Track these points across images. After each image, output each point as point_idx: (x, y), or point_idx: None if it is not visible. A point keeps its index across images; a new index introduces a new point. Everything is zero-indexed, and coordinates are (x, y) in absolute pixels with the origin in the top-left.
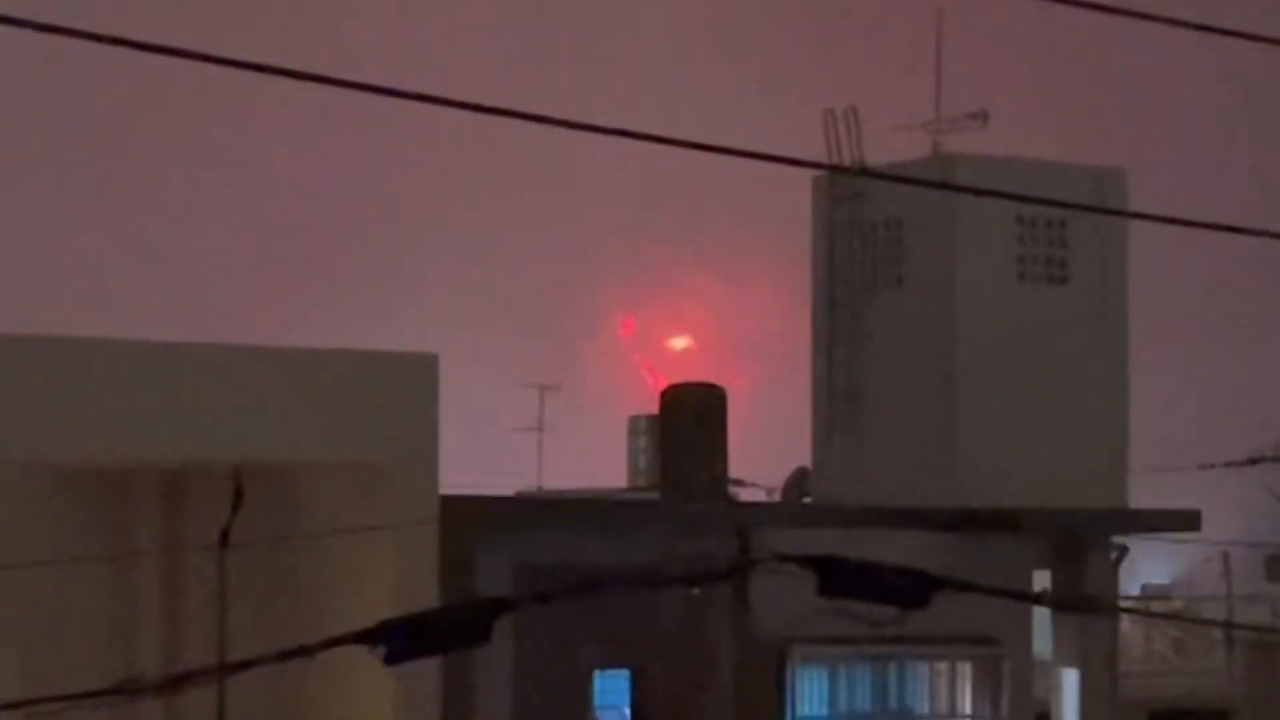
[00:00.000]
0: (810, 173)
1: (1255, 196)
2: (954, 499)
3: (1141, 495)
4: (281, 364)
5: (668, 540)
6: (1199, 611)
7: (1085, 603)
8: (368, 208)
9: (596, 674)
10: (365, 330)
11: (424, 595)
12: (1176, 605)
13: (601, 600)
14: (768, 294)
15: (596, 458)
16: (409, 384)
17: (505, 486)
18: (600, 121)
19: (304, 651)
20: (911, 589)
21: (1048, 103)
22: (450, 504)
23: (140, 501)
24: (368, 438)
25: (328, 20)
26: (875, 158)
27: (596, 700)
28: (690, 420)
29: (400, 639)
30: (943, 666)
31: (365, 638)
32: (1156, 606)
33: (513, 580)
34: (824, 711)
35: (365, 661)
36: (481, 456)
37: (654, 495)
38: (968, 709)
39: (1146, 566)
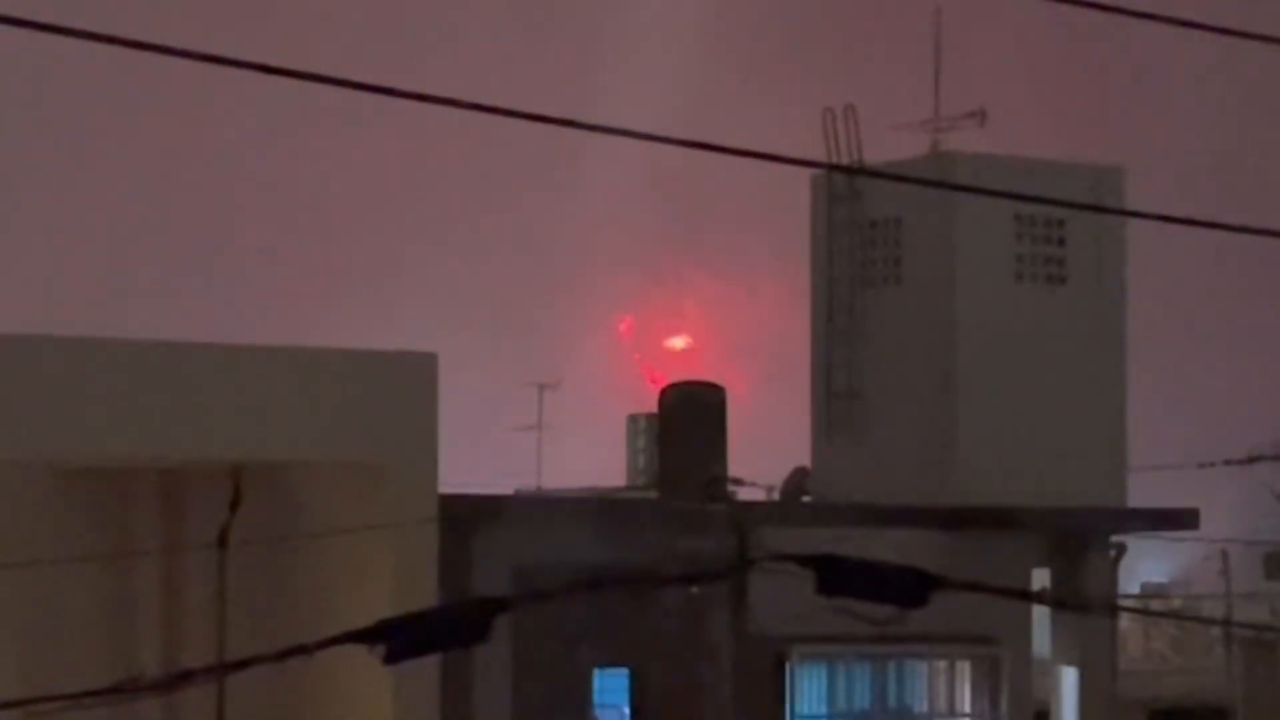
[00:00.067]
0: (809, 171)
1: (1254, 195)
2: (953, 498)
3: (1140, 494)
4: (281, 363)
5: (667, 539)
6: (1198, 610)
7: (1084, 601)
8: (367, 207)
9: (596, 672)
10: (364, 329)
11: (423, 594)
12: (1175, 604)
13: (601, 599)
14: (766, 293)
15: (596, 457)
16: (408, 383)
17: (504, 485)
18: (599, 121)
19: (303, 650)
20: (910, 588)
21: (1046, 102)
22: (449, 503)
23: (139, 501)
24: (367, 437)
25: (328, 20)
26: (874, 156)
27: (596, 699)
28: (689, 419)
29: (399, 638)
30: (941, 665)
31: (364, 637)
32: (1155, 605)
33: (512, 579)
34: (823, 710)
35: (364, 661)
36: (481, 455)
37: (653, 494)
38: (967, 708)
39: (1145, 565)
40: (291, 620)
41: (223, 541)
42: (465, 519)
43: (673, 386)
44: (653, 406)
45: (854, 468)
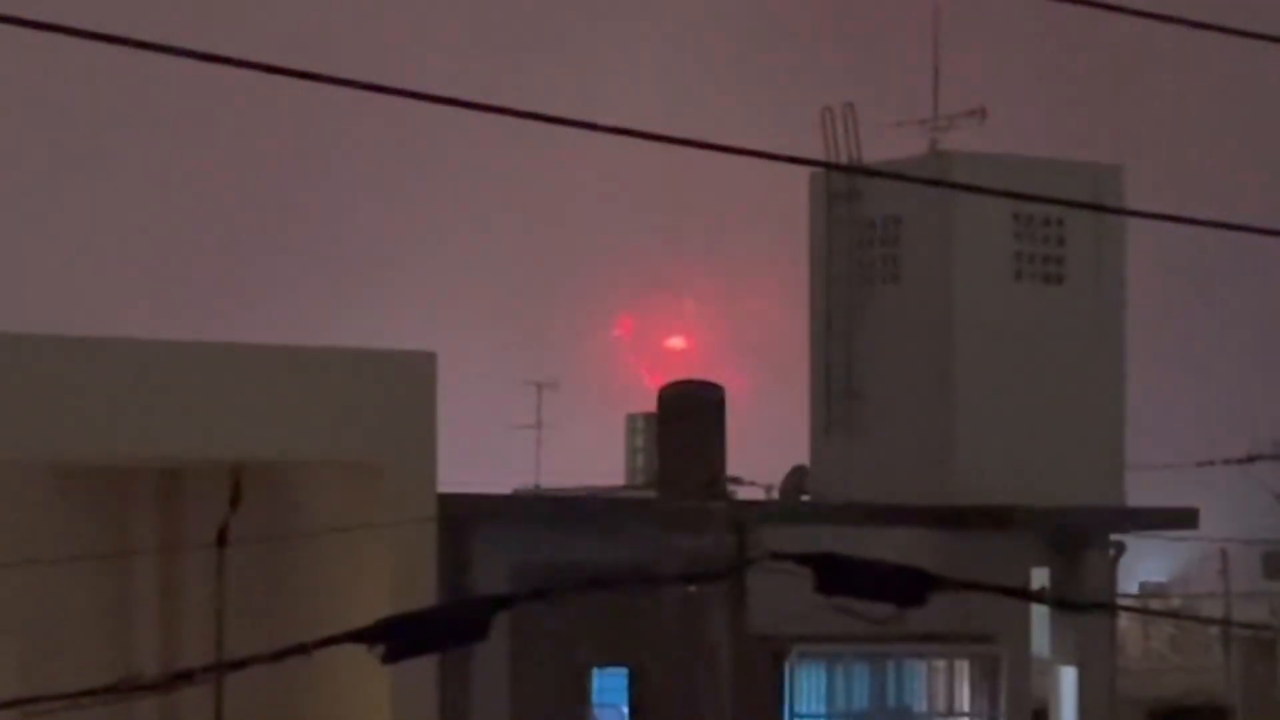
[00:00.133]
0: (808, 171)
1: (1252, 193)
2: (951, 497)
3: (1139, 493)
4: (279, 362)
5: (665, 539)
6: (1197, 609)
7: (1083, 601)
8: (366, 206)
9: (594, 672)
10: (364, 328)
11: (422, 593)
12: (1174, 603)
13: (599, 598)
14: (765, 292)
15: (594, 456)
16: (407, 382)
17: (503, 484)
18: (598, 120)
19: (302, 649)
20: (909, 587)
21: (1045, 101)
22: (448, 502)
23: (138, 500)
24: (366, 436)
25: (328, 19)
26: (872, 155)
27: (594, 698)
28: (688, 418)
29: (398, 637)
30: (940, 664)
31: (363, 636)
32: (1154, 604)
33: (510, 578)
34: (822, 709)
35: (363, 660)
36: (479, 454)
37: (652, 494)
38: (966, 707)
39: (1144, 564)
40: (290, 619)
41: (222, 540)
42: (464, 518)
43: (671, 386)
44: (652, 406)
45: (853, 467)
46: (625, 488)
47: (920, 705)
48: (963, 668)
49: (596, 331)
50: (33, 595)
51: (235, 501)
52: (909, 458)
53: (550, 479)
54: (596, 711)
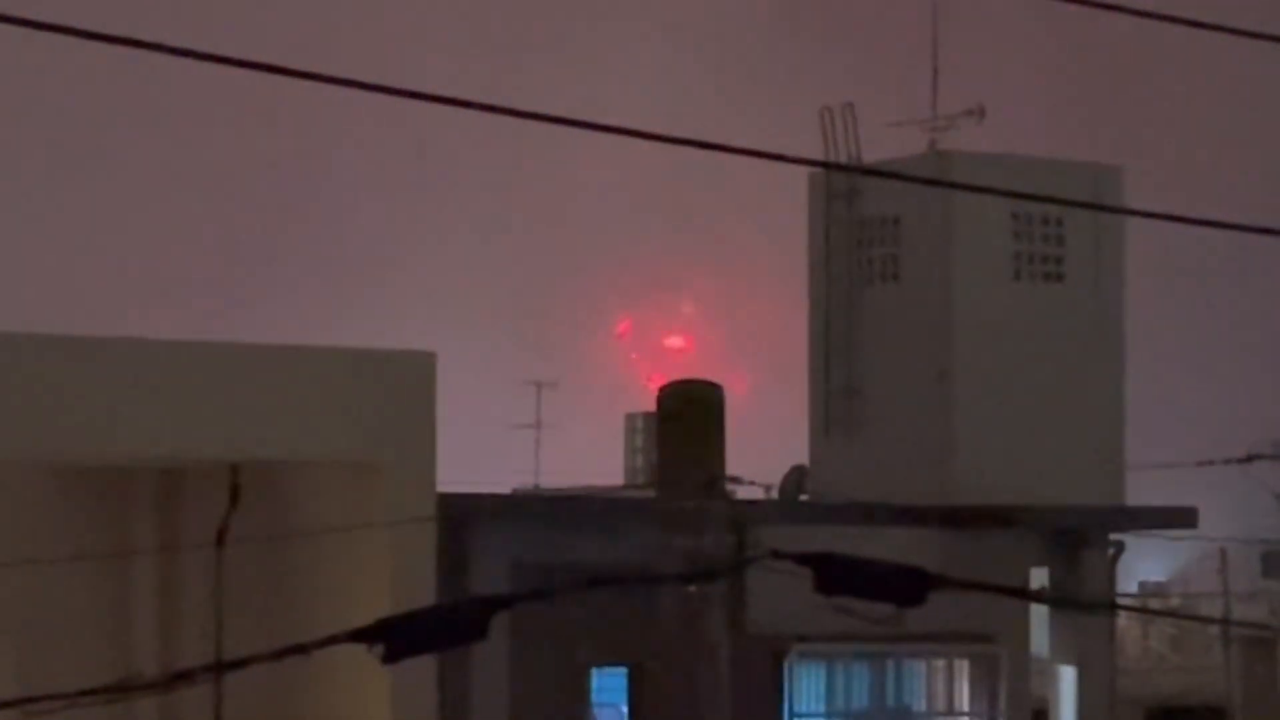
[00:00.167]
0: (807, 170)
1: (1252, 192)
2: (951, 496)
3: (1138, 492)
4: (278, 362)
5: (665, 537)
6: (1196, 608)
7: (1082, 600)
8: (366, 206)
9: (594, 671)
10: (363, 328)
11: (421, 593)
12: (1174, 602)
13: (598, 598)
14: (765, 292)
15: (593, 455)
16: (406, 382)
17: (502, 484)
18: (598, 119)
19: (301, 649)
20: (908, 586)
21: (1044, 100)
22: (447, 501)
23: (137, 499)
24: (365, 436)
25: (328, 19)
26: (872, 155)
27: (594, 697)
28: (687, 417)
29: (397, 637)
30: (940, 664)
31: (362, 636)
32: (1154, 604)
33: (509, 577)
34: (821, 709)
35: (362, 659)
36: (479, 454)
37: (651, 493)
38: (965, 706)
39: (1143, 564)
40: (289, 619)
41: (221, 540)
42: (464, 518)
43: (670, 385)
44: (651, 405)
45: (852, 466)
46: (624, 487)
47: (920, 705)
48: (962, 667)
49: (596, 331)
50: (32, 595)
51: (234, 501)
52: (908, 457)
53: (549, 478)
54: (596, 711)
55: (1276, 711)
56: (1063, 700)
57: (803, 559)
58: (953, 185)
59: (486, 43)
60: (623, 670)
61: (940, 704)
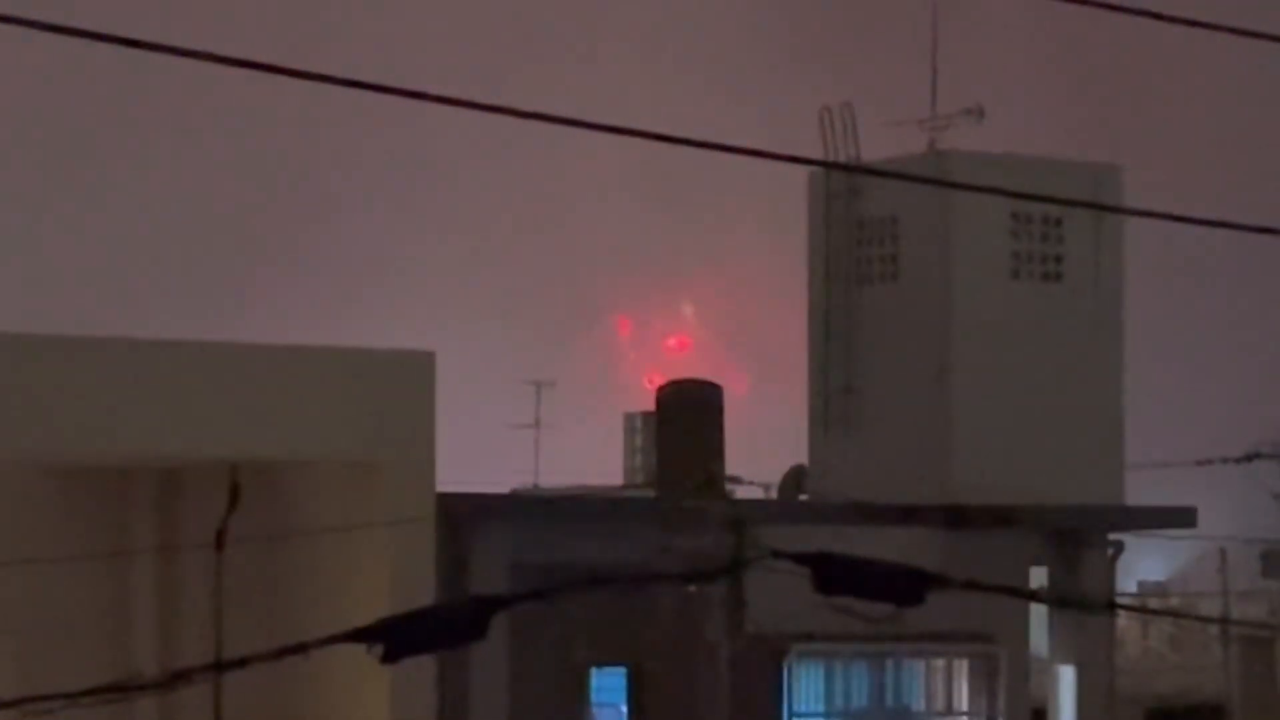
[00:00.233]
0: (806, 170)
1: (1252, 192)
2: (950, 496)
3: (1137, 491)
4: (277, 362)
5: (664, 537)
6: (1195, 608)
7: (1082, 600)
8: (364, 205)
9: (593, 671)
10: (362, 327)
11: (420, 593)
12: (1173, 602)
13: (598, 597)
14: (764, 292)
15: (593, 455)
16: (405, 381)
17: (501, 484)
18: (597, 119)
19: (300, 649)
20: (907, 586)
21: (1043, 99)
22: (446, 501)
23: (136, 499)
24: (364, 435)
25: (327, 18)
26: (871, 154)
27: (593, 697)
28: (686, 417)
29: (396, 636)
30: (939, 663)
31: (361, 636)
32: (1153, 603)
33: (509, 577)
34: (820, 708)
35: (361, 659)
36: (478, 454)
37: (650, 493)
38: (964, 706)
39: (1143, 563)
40: (288, 619)
41: (220, 540)
42: (462, 517)
43: (670, 384)
44: (650, 405)
45: (851, 466)
46: (624, 487)
47: (919, 704)
48: (961, 667)
49: (595, 331)
50: (31, 595)
51: (234, 501)
52: (907, 457)
53: (549, 478)
54: (595, 711)
55: (1276, 711)
56: (1062, 700)
57: (802, 559)
58: (952, 185)
59: (486, 42)
60: (622, 670)
61: (939, 704)
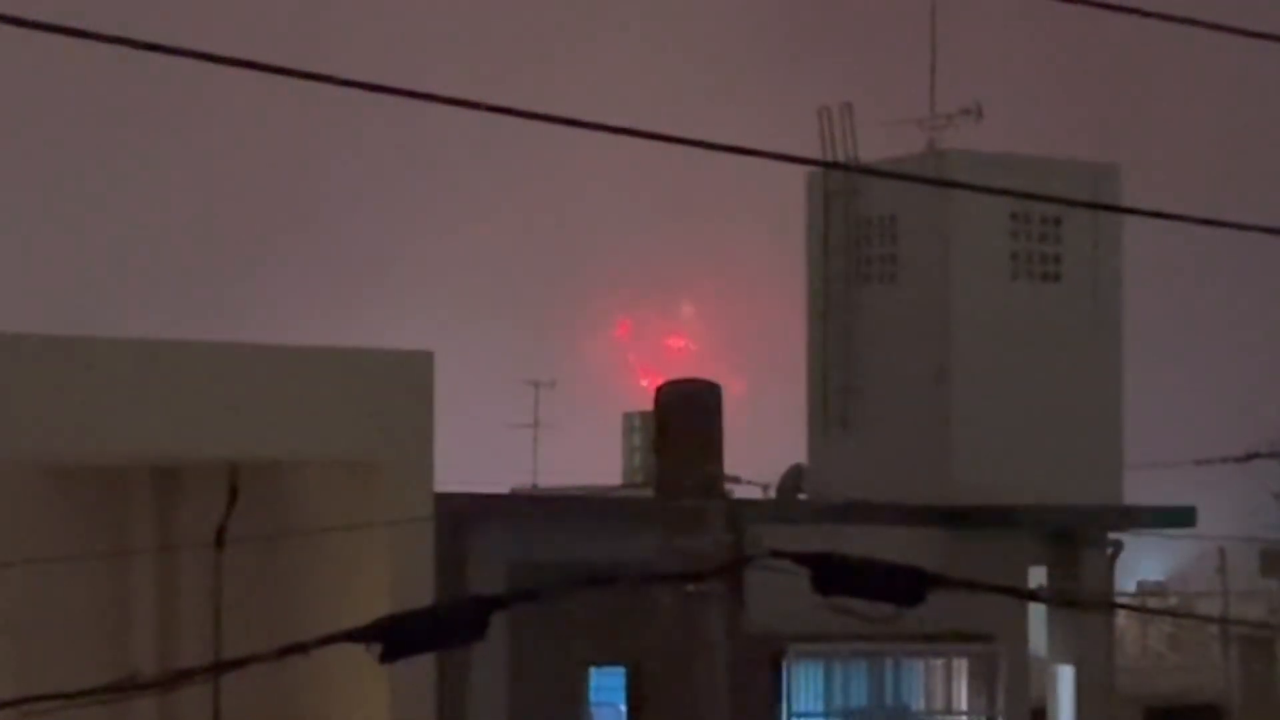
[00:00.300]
0: (805, 169)
1: (1251, 191)
2: (949, 495)
3: (1137, 491)
4: (277, 361)
5: (663, 537)
6: (1195, 607)
7: (1081, 599)
8: (363, 205)
9: (592, 670)
10: (361, 327)
11: (419, 592)
12: (1172, 601)
13: (596, 597)
14: (763, 291)
15: (592, 454)
16: (404, 381)
17: (500, 483)
18: (597, 119)
19: (299, 649)
20: (907, 585)
21: (1042, 99)
22: (445, 501)
23: (135, 499)
24: (363, 435)
25: (328, 19)
26: (869, 154)
27: (592, 697)
28: (685, 417)
29: (395, 636)
30: (938, 663)
31: (360, 635)
32: (1152, 602)
33: (508, 577)
34: (819, 708)
35: (360, 659)
36: (477, 454)
37: (649, 492)
38: (963, 705)
39: (1142, 562)
40: (288, 619)
41: (219, 540)
42: (461, 517)
43: (668, 384)
44: (649, 405)
45: (850, 465)
46: (623, 487)
47: (918, 704)
48: (960, 666)
49: (594, 331)
50: (30, 595)
51: (233, 501)
52: (906, 457)
53: (548, 478)
54: (594, 710)
55: (1275, 710)
56: (1061, 699)
57: (801, 558)
58: (951, 184)
59: (485, 42)
60: (621, 670)
61: (939, 703)
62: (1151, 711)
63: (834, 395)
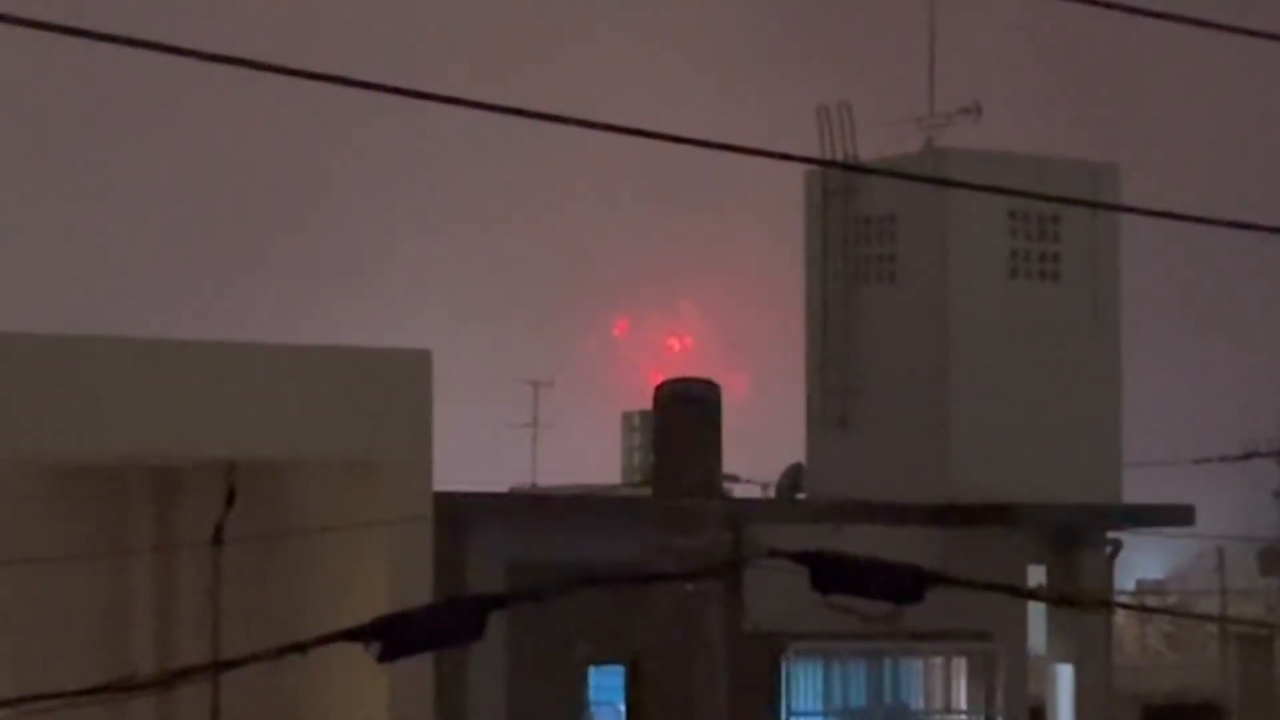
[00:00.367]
0: (804, 168)
1: (1248, 189)
2: (948, 494)
3: (1135, 490)
4: (275, 360)
5: (662, 536)
6: (1193, 606)
7: (1080, 598)
8: (362, 203)
9: (591, 670)
10: (359, 326)
11: (418, 592)
12: (1171, 600)
13: (595, 596)
14: (762, 290)
15: (590, 453)
16: (403, 380)
17: (499, 482)
18: (597, 118)
19: (298, 648)
20: (906, 584)
21: (1041, 97)
22: (444, 500)
23: (134, 498)
24: (362, 434)
25: (327, 17)
26: (868, 153)
27: (591, 696)
28: (684, 415)
29: (394, 635)
30: (937, 661)
31: (359, 635)
32: (1151, 601)
33: (506, 576)
34: (818, 706)
35: (359, 658)
36: (476, 453)
37: (648, 491)
38: (962, 704)
39: (1141, 561)
40: (286, 618)
41: (217, 539)
42: (460, 516)
43: (667, 383)
44: (647, 404)
45: (849, 464)
46: (621, 486)
47: (917, 703)
48: (959, 665)
49: (593, 330)
50: (28, 594)
51: (231, 500)
52: (905, 455)
53: (547, 477)
54: (592, 709)
55: (1274, 709)
56: (1060, 698)
57: (800, 557)
58: (949, 183)
59: (485, 41)
60: (619, 669)
61: (938, 702)
62: (1150, 710)
63: (833, 394)
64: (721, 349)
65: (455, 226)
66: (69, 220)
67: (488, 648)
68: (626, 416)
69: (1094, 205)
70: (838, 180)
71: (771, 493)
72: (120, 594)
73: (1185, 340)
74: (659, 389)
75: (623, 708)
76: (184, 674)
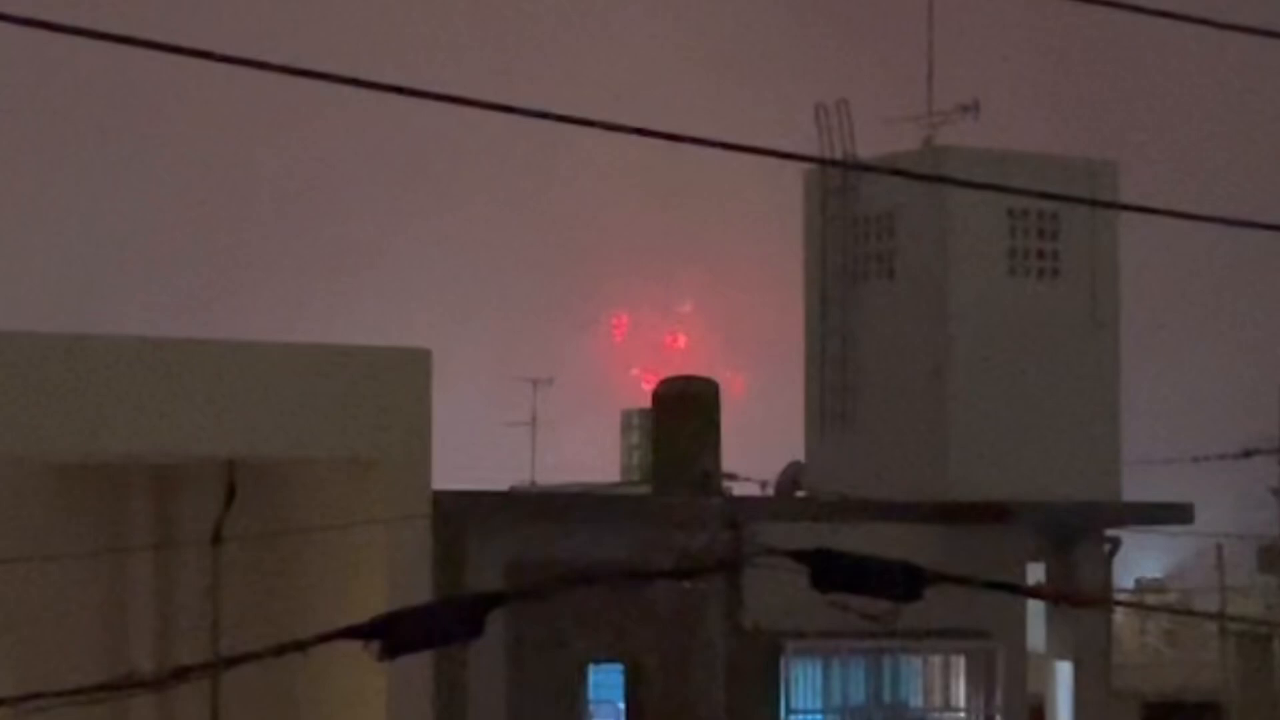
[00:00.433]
0: (803, 166)
1: (1247, 187)
2: (947, 492)
3: (1135, 488)
4: (274, 359)
5: (661, 534)
6: (1193, 604)
7: (1079, 595)
8: (361, 202)
9: (590, 668)
10: (359, 325)
11: (417, 590)
12: (1170, 598)
13: (594, 594)
14: (761, 289)
15: (589, 452)
16: (402, 379)
17: (498, 481)
18: (596, 116)
19: (297, 646)
20: (905, 582)
21: (1040, 95)
22: (443, 499)
23: (133, 497)
24: (361, 433)
25: (327, 17)
26: (867, 151)
27: (590, 694)
28: (683, 414)
29: (393, 634)
30: (936, 660)
31: (358, 633)
32: (1150, 599)
33: (505, 574)
34: (817, 705)
35: (358, 656)
36: (475, 451)
37: (647, 489)
38: (961, 702)
39: (1140, 559)
40: (286, 616)
41: (217, 538)
42: (459, 515)
43: (666, 381)
44: (646, 402)
45: (848, 462)
46: (620, 484)
47: (916, 701)
48: (958, 663)
49: (592, 329)
50: (28, 593)
51: (230, 499)
52: (904, 453)
53: (546, 476)
54: (592, 708)
55: (1273, 706)
56: (1059, 696)
57: (799, 555)
58: (948, 181)
59: (485, 40)
60: (619, 667)
61: (937, 700)
62: (1150, 708)
63: (832, 392)
64: (720, 347)
65: (454, 225)
66: (69, 220)
67: (487, 646)
68: (625, 415)
69: (1093, 204)
70: (836, 178)
71: (771, 491)
72: (120, 593)
73: (1185, 339)
74: (658, 387)
75: (622, 706)
76: (184, 672)
